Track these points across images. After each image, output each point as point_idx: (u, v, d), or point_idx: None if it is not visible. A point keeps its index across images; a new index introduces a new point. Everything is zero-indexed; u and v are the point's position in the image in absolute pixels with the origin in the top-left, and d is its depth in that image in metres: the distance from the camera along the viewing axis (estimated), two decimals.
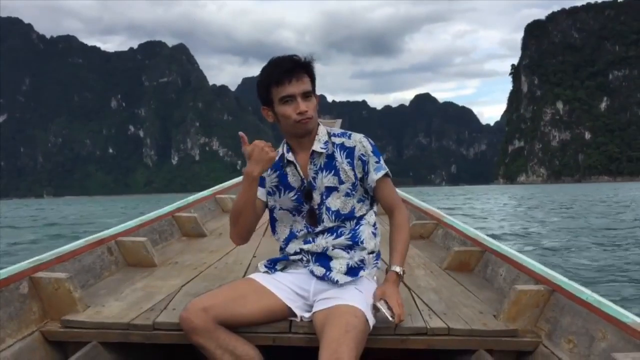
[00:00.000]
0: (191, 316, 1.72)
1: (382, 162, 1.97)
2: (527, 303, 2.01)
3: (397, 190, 5.57)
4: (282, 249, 2.04)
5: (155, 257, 2.90)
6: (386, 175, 1.97)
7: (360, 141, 1.95)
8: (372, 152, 1.95)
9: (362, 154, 1.94)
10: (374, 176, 1.94)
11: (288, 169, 1.96)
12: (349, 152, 1.94)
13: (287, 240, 2.01)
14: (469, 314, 2.08)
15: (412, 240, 3.71)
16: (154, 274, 2.70)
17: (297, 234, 1.98)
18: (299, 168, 1.93)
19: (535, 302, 2.02)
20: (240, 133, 1.85)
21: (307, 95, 1.85)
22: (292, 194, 1.96)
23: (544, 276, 2.14)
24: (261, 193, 2.00)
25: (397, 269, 1.90)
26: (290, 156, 1.95)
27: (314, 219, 1.94)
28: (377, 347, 1.86)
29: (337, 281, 1.87)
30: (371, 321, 1.77)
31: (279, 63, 1.85)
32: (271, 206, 2.02)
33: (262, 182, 1.98)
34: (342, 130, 2.00)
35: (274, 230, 2.07)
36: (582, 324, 1.82)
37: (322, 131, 1.96)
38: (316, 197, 1.93)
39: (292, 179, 1.95)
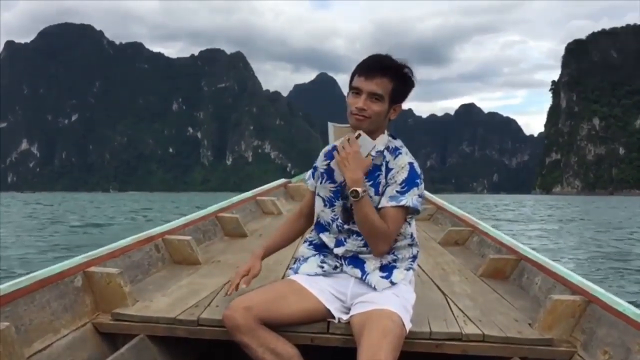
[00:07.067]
0: (234, 314, 1.78)
1: (407, 195, 1.89)
2: (563, 313, 2.00)
3: (436, 197, 5.35)
4: (310, 242, 2.09)
5: (199, 255, 2.97)
6: (401, 208, 1.89)
7: (401, 166, 1.92)
8: (402, 180, 1.90)
9: (390, 178, 1.91)
10: (383, 202, 1.90)
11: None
12: (387, 172, 1.93)
13: (317, 230, 2.07)
14: (504, 321, 2.08)
15: (447, 246, 3.87)
16: (198, 272, 2.77)
17: (327, 227, 2.02)
18: None
19: (571, 312, 2.00)
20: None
21: (375, 96, 1.85)
22: (332, 185, 1.99)
23: (580, 286, 2.12)
24: (311, 184, 2.10)
25: (359, 189, 1.82)
26: None
27: (346, 215, 1.97)
28: (413, 351, 1.87)
29: (374, 287, 1.91)
30: (407, 326, 1.79)
31: (370, 57, 1.89)
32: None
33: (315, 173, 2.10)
34: (398, 146, 1.98)
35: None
36: (619, 336, 1.80)
37: (381, 140, 1.95)
38: None
39: (337, 173, 1.98)
